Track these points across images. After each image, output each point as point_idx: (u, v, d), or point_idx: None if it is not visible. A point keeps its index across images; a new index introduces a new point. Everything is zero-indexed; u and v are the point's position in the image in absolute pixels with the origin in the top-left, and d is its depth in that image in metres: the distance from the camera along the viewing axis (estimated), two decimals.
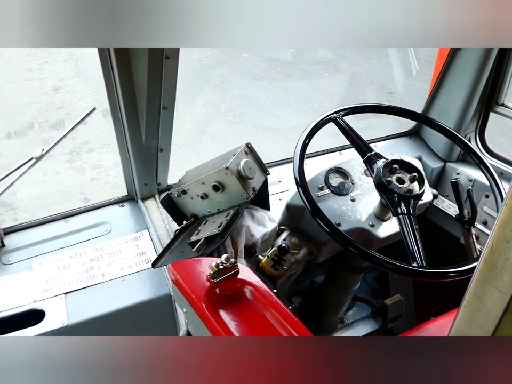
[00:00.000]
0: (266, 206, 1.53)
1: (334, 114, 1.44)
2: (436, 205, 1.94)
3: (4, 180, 1.52)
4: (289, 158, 1.89)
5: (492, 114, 1.92)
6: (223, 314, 0.97)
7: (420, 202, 1.39)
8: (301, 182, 1.31)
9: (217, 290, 1.00)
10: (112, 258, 1.51)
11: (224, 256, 1.00)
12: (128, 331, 1.46)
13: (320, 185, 1.50)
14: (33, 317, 1.35)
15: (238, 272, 1.02)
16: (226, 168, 1.28)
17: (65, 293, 1.40)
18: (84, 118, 1.35)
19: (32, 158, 1.40)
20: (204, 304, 0.96)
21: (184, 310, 1.07)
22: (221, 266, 0.99)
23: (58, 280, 1.44)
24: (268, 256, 1.45)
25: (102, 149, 4.71)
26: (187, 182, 1.43)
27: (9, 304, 1.36)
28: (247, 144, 1.38)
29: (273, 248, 1.46)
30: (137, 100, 1.32)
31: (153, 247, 1.54)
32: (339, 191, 1.51)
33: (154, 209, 1.67)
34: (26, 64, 6.17)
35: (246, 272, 1.05)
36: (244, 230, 1.41)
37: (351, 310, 2.10)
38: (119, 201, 1.72)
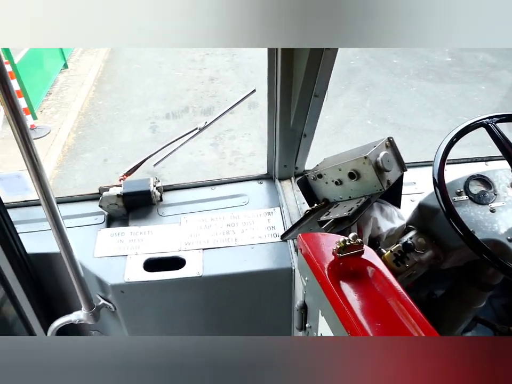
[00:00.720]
0: (397, 203, 1.54)
1: (487, 119, 1.39)
2: None
3: (169, 146, 1.79)
4: (427, 161, 1.84)
5: None
6: (344, 286, 1.02)
7: None
8: (439, 182, 1.30)
9: (341, 263, 1.06)
10: (246, 227, 1.67)
11: (351, 234, 1.05)
12: (249, 293, 1.61)
13: (459, 191, 1.46)
14: (176, 263, 1.57)
15: (362, 252, 1.07)
16: (365, 157, 1.32)
17: (203, 248, 1.60)
18: (244, 98, 1.52)
19: (196, 128, 1.63)
20: (326, 273, 1.03)
21: (306, 279, 1.15)
22: (347, 243, 1.04)
23: (199, 237, 1.64)
24: (391, 251, 1.45)
25: (242, 137, 5.06)
26: (324, 167, 1.51)
27: (160, 249, 1.61)
28: (388, 138, 1.39)
29: (398, 244, 1.46)
30: (292, 85, 1.43)
31: (282, 224, 1.66)
32: (478, 200, 1.45)
33: (288, 189, 1.79)
34: (191, 55, 6.93)
35: (370, 254, 1.08)
36: (371, 221, 1.44)
37: (469, 332, 1.97)
38: (258, 178, 1.89)
